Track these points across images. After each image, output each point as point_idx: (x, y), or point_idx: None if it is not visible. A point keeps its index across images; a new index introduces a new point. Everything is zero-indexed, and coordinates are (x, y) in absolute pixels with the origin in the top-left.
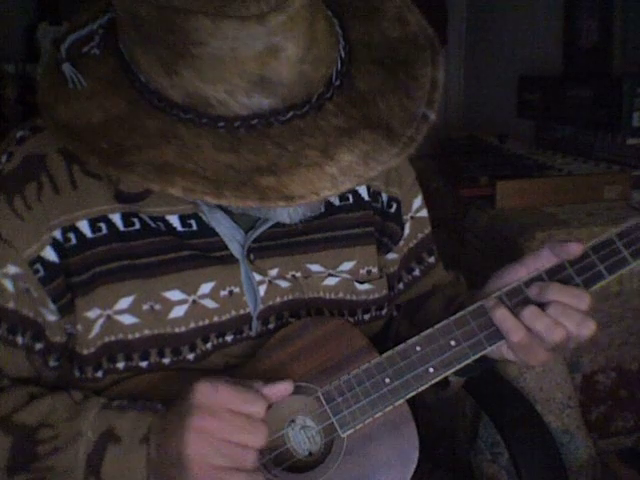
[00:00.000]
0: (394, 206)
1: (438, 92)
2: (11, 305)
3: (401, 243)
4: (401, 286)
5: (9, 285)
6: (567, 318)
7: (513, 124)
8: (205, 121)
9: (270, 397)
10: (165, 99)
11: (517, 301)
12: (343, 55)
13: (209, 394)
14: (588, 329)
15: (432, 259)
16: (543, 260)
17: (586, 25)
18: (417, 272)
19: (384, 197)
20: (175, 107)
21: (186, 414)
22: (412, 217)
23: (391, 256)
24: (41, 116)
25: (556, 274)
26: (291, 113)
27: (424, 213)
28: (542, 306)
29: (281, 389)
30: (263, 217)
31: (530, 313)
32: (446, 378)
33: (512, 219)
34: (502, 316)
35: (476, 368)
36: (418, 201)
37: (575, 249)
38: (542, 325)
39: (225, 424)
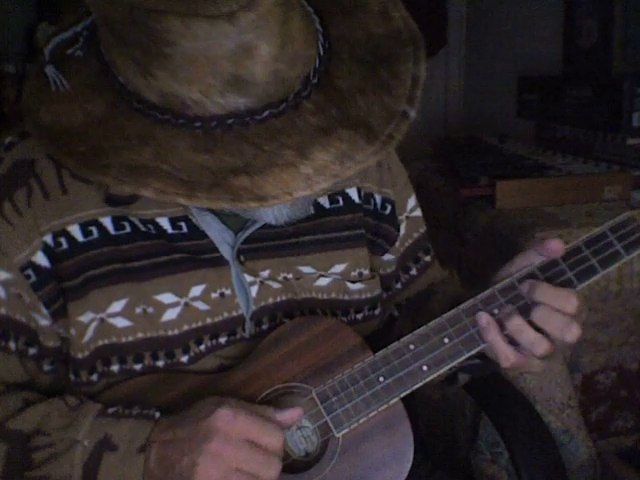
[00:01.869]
0: (388, 207)
1: (419, 89)
2: (3, 311)
3: (397, 244)
4: (399, 286)
5: (1, 291)
6: (550, 323)
7: (513, 124)
8: (182, 122)
9: (285, 422)
10: (143, 101)
11: (509, 298)
12: (322, 53)
13: (228, 421)
14: (571, 334)
15: (428, 258)
16: (532, 259)
17: (586, 25)
18: (414, 271)
19: (377, 199)
20: (153, 108)
21: (203, 438)
22: (407, 217)
23: (387, 257)
24: (25, 121)
25: (549, 269)
26: (267, 112)
27: (418, 212)
28: (533, 305)
29: (293, 414)
30: (250, 218)
31: (514, 327)
32: (455, 375)
33: (512, 219)
34: (493, 339)
35: (485, 367)
36: (412, 201)
37: (556, 247)
38: (526, 339)
39: (240, 453)
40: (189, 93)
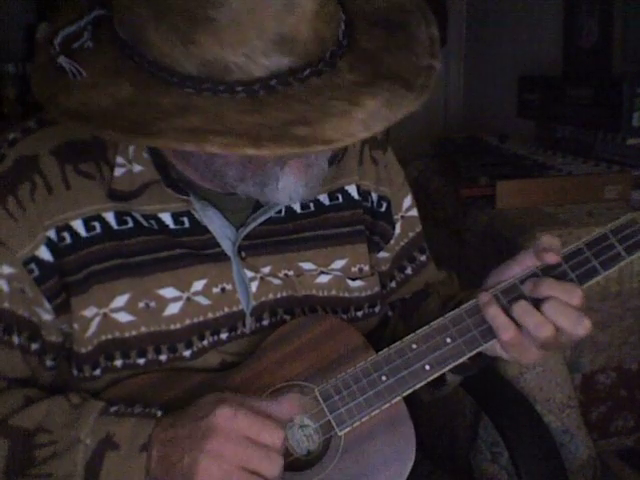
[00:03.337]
0: (384, 205)
1: (437, 45)
2: (6, 305)
3: (392, 242)
4: (393, 284)
5: (4, 285)
6: (562, 315)
7: (513, 124)
8: (223, 88)
9: (285, 415)
10: (178, 73)
11: (512, 298)
12: (345, 17)
13: (228, 418)
14: (583, 328)
15: (424, 257)
16: (534, 258)
17: (586, 25)
18: (409, 270)
19: (374, 196)
20: (190, 79)
21: (203, 436)
22: (402, 216)
23: (382, 255)
24: (46, 109)
25: (551, 270)
26: (308, 71)
27: (414, 212)
28: (538, 302)
29: (291, 405)
30: (266, 201)
31: (520, 309)
32: (443, 377)
33: (512, 219)
34: (493, 313)
35: (473, 367)
36: (408, 200)
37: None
38: (531, 321)
39: (241, 451)
40: (233, 57)
